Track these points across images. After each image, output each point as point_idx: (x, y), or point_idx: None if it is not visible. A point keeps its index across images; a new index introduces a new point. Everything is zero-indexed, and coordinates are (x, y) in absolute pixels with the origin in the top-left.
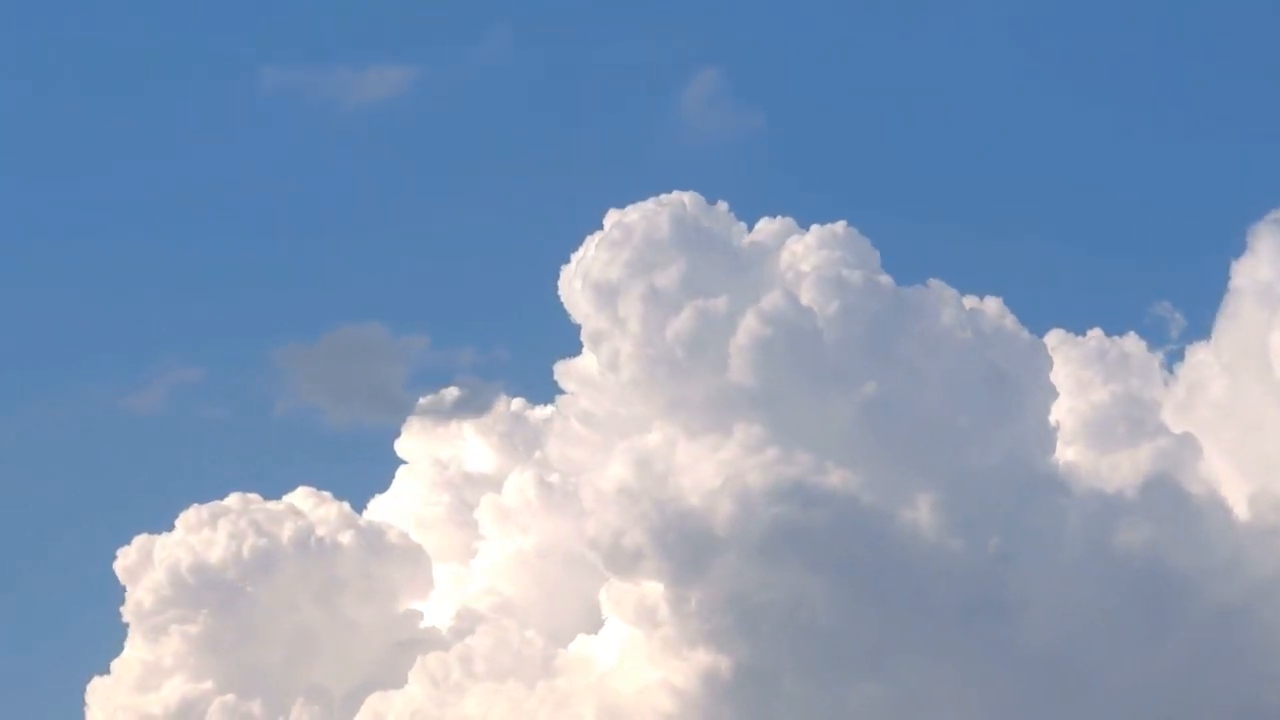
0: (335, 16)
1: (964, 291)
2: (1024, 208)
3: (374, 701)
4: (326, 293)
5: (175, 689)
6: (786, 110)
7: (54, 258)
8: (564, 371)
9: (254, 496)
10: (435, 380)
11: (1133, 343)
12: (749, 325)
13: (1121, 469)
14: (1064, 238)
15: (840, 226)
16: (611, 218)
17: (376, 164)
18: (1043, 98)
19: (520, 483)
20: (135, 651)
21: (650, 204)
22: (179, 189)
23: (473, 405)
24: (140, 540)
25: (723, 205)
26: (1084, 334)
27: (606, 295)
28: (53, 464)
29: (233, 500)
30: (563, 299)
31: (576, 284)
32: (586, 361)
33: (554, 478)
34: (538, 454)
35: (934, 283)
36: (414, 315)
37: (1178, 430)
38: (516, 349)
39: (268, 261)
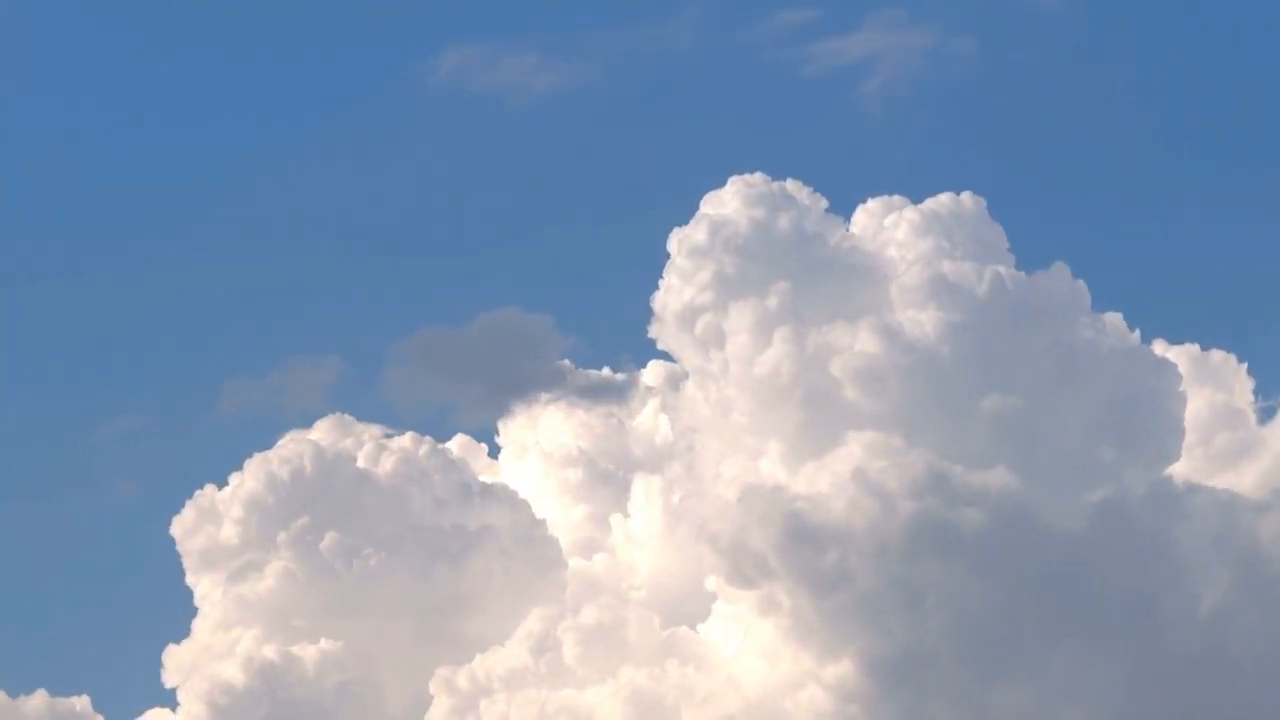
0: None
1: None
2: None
3: (443, 673)
4: (480, 279)
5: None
6: (948, 113)
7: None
8: (673, 406)
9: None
10: (579, 374)
11: (1223, 357)
12: (863, 345)
13: (1241, 472)
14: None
15: (968, 197)
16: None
17: (557, 151)
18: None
19: (647, 489)
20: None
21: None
22: (348, 166)
23: (610, 403)
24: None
25: (837, 219)
26: (1181, 344)
27: (698, 325)
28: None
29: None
30: (655, 340)
31: (668, 325)
32: (693, 396)
33: (676, 496)
34: (665, 463)
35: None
36: (575, 312)
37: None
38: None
39: (428, 242)
